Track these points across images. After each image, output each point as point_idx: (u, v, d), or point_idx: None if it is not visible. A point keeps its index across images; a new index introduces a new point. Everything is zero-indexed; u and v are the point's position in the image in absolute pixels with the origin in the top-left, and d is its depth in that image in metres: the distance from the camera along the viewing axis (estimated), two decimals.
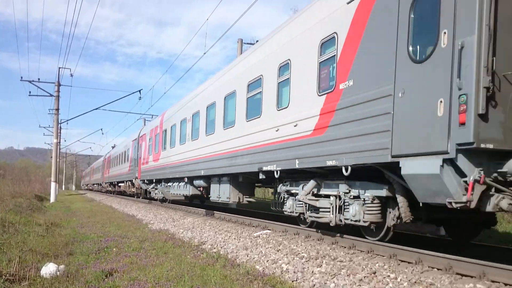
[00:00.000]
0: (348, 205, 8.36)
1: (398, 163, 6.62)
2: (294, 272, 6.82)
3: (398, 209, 7.36)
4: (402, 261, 6.97)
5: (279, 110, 10.38)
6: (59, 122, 37.94)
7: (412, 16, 6.67)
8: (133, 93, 33.95)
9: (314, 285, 6.12)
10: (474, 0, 5.57)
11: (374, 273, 6.34)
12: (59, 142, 44.71)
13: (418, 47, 6.55)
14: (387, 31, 7.05)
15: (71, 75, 43.43)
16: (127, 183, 33.60)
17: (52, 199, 33.50)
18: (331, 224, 8.79)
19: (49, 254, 8.47)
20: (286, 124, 9.92)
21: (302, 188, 9.70)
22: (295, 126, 9.55)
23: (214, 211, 17.21)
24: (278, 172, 10.32)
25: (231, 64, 14.32)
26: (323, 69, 8.78)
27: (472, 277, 5.75)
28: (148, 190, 26.33)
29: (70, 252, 8.91)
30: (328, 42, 8.68)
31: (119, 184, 38.83)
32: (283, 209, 10.91)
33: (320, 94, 8.77)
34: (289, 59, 10.02)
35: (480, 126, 5.49)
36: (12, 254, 7.83)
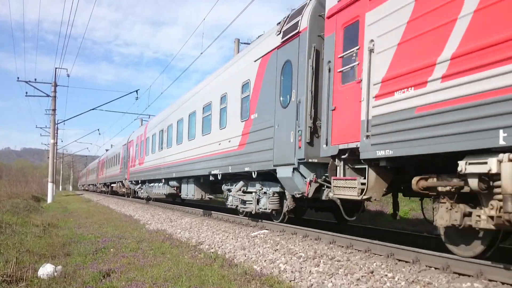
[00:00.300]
0: (260, 198, 11.88)
1: (276, 170, 10.44)
2: (292, 272, 6.82)
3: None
4: (399, 260, 6.98)
5: (221, 129, 14.09)
6: (56, 122, 37.85)
7: (281, 78, 10.45)
8: (130, 93, 33.97)
9: (311, 285, 6.12)
10: (305, 74, 9.32)
11: (372, 272, 6.35)
12: (56, 143, 44.67)
13: (282, 98, 10.34)
14: (271, 84, 10.82)
15: (68, 75, 43.51)
16: (118, 183, 37.21)
17: (49, 199, 33.45)
18: (252, 212, 12.23)
19: (46, 255, 8.45)
20: (224, 140, 13.63)
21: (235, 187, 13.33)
22: (229, 142, 13.23)
23: (212, 211, 17.21)
24: (220, 175, 14.00)
25: (194, 90, 18.22)
26: (244, 102, 12.49)
27: (469, 276, 5.77)
28: (135, 190, 29.83)
29: (67, 252, 8.89)
30: (246, 85, 12.44)
31: (112, 185, 41.52)
32: (227, 203, 14.22)
33: (242, 120, 12.48)
34: (226, 92, 13.87)
35: (308, 149, 9.21)
36: (9, 255, 7.81)
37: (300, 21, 9.69)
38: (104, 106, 60.23)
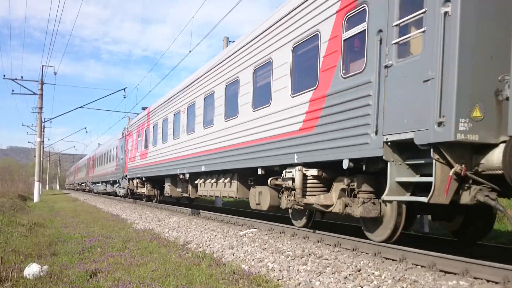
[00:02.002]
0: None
1: None
2: (280, 270, 6.83)
3: None
4: (386, 258, 7.03)
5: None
6: (43, 120, 37.50)
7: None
8: (118, 91, 33.76)
9: (299, 283, 6.13)
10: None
11: (359, 270, 6.38)
12: (43, 141, 44.26)
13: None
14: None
15: (55, 73, 43.06)
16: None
17: (35, 198, 33.15)
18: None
19: (32, 254, 8.35)
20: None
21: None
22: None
23: (200, 210, 17.17)
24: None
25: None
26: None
27: (455, 274, 5.83)
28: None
29: (53, 252, 8.80)
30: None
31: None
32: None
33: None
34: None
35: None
36: None
37: None
38: (92, 104, 59.68)
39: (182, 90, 17.05)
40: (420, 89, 6.12)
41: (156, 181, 23.12)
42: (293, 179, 9.18)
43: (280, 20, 9.92)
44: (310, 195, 8.95)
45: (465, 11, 5.72)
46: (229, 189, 13.06)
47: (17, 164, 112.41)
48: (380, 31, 6.94)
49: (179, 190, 18.58)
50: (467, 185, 6.08)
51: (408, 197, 6.67)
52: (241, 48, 11.93)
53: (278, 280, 6.39)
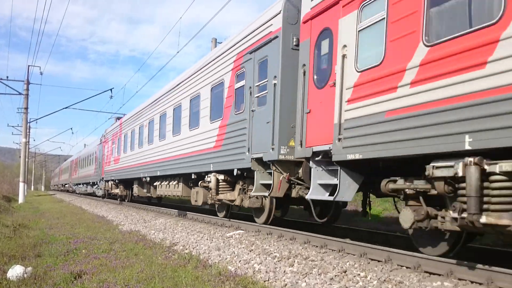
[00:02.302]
0: None
1: None
2: (266, 272, 6.83)
3: None
4: (372, 259, 7.07)
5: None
6: (28, 121, 37.13)
7: None
8: (104, 91, 33.52)
9: (285, 285, 6.14)
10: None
11: (345, 271, 6.40)
12: (28, 142, 43.76)
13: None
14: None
15: (41, 73, 42.56)
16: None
17: (20, 199, 32.76)
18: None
19: (16, 256, 8.25)
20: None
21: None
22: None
23: (187, 212, 17.11)
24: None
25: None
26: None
27: (440, 275, 5.87)
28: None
29: (38, 254, 8.71)
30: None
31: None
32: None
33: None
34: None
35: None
36: None
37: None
38: (78, 105, 59.50)
39: (146, 107, 21.40)
40: (265, 127, 10.12)
41: (128, 183, 26.35)
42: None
43: (204, 66, 14.16)
44: (221, 193, 12.77)
45: (283, 85, 9.70)
46: (177, 189, 16.83)
47: (1, 165, 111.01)
48: (250, 87, 10.95)
49: (144, 190, 22.44)
50: (294, 185, 10.08)
51: (263, 193, 10.56)
52: (182, 82, 16.31)
53: (264, 281, 6.39)
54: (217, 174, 12.65)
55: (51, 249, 9.25)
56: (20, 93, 35.41)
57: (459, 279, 5.60)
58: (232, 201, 12.40)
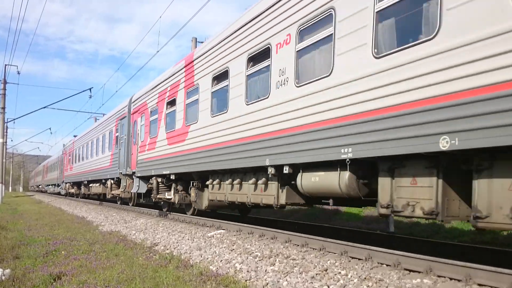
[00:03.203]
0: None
1: None
2: (248, 271, 6.83)
3: None
4: (352, 257, 7.13)
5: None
6: (6, 121, 36.43)
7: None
8: (83, 91, 33.16)
9: (267, 284, 6.15)
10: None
11: (326, 270, 6.45)
12: (6, 142, 42.93)
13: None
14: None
15: (18, 73, 41.74)
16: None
17: None
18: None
19: None
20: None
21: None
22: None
23: (168, 212, 17.02)
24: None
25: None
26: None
27: (419, 272, 5.95)
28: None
29: (16, 255, 8.55)
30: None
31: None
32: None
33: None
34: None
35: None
36: None
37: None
38: (57, 105, 58.71)
39: (84, 135, 31.03)
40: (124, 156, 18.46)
41: (78, 184, 34.95)
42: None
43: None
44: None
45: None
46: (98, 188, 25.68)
47: None
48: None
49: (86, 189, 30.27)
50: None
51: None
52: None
53: (246, 281, 6.39)
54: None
55: (30, 250, 9.11)
56: None
57: (438, 276, 5.69)
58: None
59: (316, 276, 6.17)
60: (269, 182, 9.57)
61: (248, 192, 10.28)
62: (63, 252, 8.85)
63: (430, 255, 6.25)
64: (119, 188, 21.71)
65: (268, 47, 9.19)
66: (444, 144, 5.23)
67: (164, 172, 14.87)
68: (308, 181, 8.10)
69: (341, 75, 7.06)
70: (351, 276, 6.05)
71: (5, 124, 36.92)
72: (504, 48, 4.72)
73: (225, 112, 10.72)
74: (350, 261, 6.93)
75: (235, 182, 10.76)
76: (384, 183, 6.52)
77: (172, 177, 14.51)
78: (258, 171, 9.93)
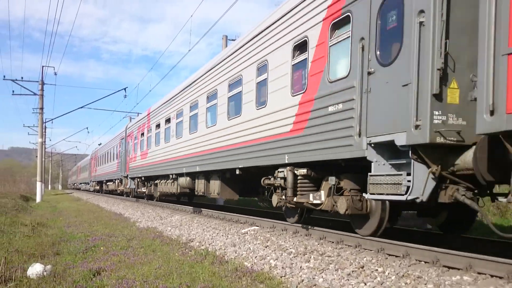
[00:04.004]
0: None
1: None
2: (283, 267, 6.83)
3: None
4: (389, 255, 7.03)
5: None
6: (44, 121, 37.54)
7: None
8: (118, 91, 33.88)
9: (302, 280, 6.13)
10: None
11: (362, 267, 6.38)
12: (44, 142, 44.27)
13: None
14: None
15: (55, 74, 43.17)
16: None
17: (38, 199, 33.19)
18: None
19: (35, 254, 8.37)
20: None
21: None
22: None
23: (202, 209, 17.19)
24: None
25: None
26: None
27: (459, 269, 5.82)
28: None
29: (57, 252, 8.82)
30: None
31: (108, 183, 39.60)
32: None
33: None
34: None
35: None
36: None
37: None
38: (93, 105, 60.12)
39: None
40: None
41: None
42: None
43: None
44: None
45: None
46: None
47: (19, 165, 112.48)
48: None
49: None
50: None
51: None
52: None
53: (281, 277, 6.40)
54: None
55: (70, 247, 9.37)
56: (35, 94, 35.88)
57: (479, 273, 5.54)
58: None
59: (352, 273, 6.12)
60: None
61: None
62: (102, 248, 9.06)
63: (470, 252, 6.10)
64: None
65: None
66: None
67: (139, 175, 24.08)
68: None
69: None
70: (388, 274, 5.97)
71: (44, 124, 38.05)
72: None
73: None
74: (387, 258, 6.83)
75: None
76: None
77: (143, 178, 23.67)
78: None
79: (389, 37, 6.88)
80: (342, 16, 7.85)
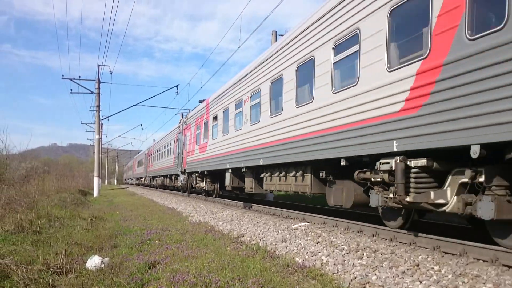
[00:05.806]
0: None
1: None
2: (335, 264, 6.77)
3: None
4: (446, 253, 6.82)
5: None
6: (100, 118, 38.69)
7: None
8: (170, 88, 34.37)
9: (355, 277, 6.06)
10: None
11: (418, 265, 6.22)
12: (101, 138, 45.80)
13: None
14: None
15: (111, 72, 44.32)
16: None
17: (95, 193, 34.38)
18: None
19: (93, 247, 8.69)
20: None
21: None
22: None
23: (252, 204, 17.28)
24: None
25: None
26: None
27: None
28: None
29: (114, 244, 9.12)
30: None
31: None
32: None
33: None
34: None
35: None
36: (59, 247, 8.08)
37: None
38: (146, 102, 61.49)
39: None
40: None
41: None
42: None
43: None
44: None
45: None
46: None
47: (76, 161, 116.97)
48: None
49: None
50: None
51: None
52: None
53: (333, 273, 6.35)
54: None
55: (126, 240, 9.67)
56: (92, 92, 37.08)
57: None
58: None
59: (407, 271, 5.98)
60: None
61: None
62: (156, 241, 9.30)
63: None
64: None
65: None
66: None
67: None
68: None
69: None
70: (445, 272, 5.79)
71: (100, 121, 39.33)
72: None
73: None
74: (443, 256, 6.63)
75: None
76: None
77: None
78: None
79: None
80: None
